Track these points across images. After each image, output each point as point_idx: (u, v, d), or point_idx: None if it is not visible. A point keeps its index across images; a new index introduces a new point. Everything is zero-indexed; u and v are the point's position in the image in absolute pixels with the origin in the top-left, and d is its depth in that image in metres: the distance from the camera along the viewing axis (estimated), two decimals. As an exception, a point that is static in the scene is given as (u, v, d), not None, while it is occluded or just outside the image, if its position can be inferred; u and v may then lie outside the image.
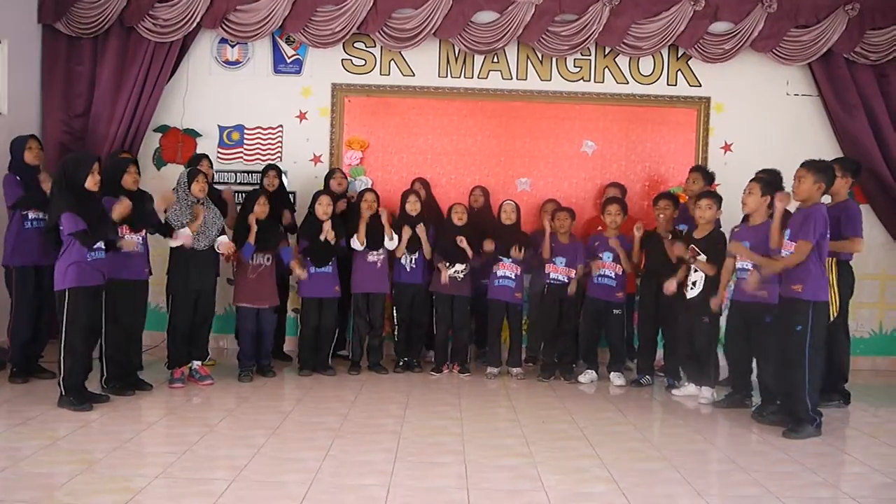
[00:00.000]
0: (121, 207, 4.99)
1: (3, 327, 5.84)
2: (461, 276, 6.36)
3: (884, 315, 7.40)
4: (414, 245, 6.35)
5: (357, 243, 6.21)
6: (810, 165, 4.95)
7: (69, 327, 4.85)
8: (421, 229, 6.32)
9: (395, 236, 6.27)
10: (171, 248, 5.64)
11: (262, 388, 5.77)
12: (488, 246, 6.29)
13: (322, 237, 6.07)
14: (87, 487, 3.59)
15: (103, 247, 4.97)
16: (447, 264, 6.32)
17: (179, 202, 5.61)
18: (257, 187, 6.58)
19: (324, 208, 6.14)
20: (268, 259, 6.02)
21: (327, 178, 6.75)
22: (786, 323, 4.93)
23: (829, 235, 4.91)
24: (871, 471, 4.34)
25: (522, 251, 6.24)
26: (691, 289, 5.74)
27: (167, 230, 5.57)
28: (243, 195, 6.50)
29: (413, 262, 6.39)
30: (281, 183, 6.64)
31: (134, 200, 5.31)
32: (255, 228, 5.85)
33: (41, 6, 6.95)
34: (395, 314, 6.52)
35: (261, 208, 5.96)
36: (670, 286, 5.83)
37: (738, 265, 5.39)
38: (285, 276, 6.36)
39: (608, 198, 6.57)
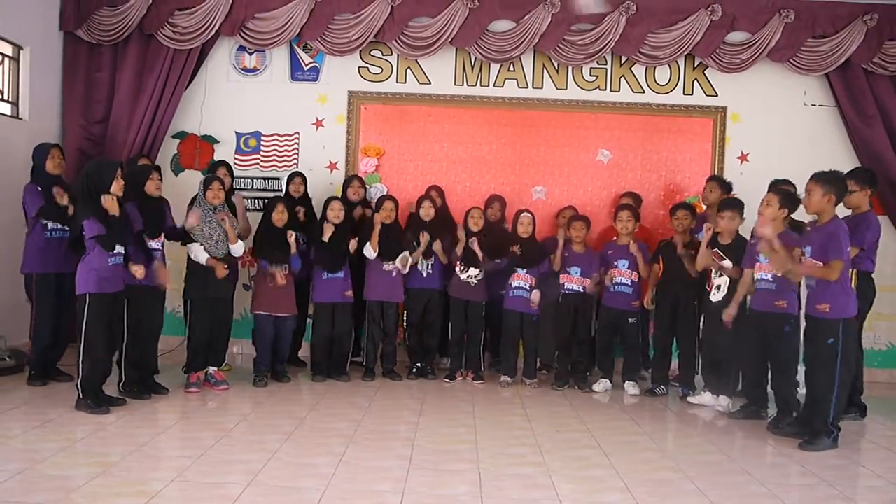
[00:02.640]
0: (108, 202, 4.95)
1: (23, 331, 5.90)
2: (475, 281, 6.37)
3: (901, 327, 7.34)
4: (429, 250, 6.37)
5: (370, 251, 6.22)
6: (819, 177, 4.91)
7: (88, 331, 4.90)
8: (437, 246, 6.34)
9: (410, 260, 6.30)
10: (189, 256, 5.68)
11: (277, 393, 5.80)
12: (517, 250, 6.27)
13: (325, 238, 6.09)
14: (104, 490, 3.61)
15: (122, 251, 5.00)
16: (462, 267, 6.33)
17: (199, 209, 5.66)
18: (278, 194, 6.62)
19: (335, 213, 6.17)
20: (285, 268, 6.05)
21: (344, 185, 6.78)
22: (815, 340, 4.89)
23: (849, 248, 4.91)
24: (887, 484, 4.30)
25: (520, 249, 6.24)
26: (716, 292, 5.72)
27: (182, 237, 5.63)
28: (261, 201, 6.54)
29: (430, 267, 6.41)
30: (305, 190, 6.67)
31: (154, 207, 5.38)
32: (280, 277, 5.95)
33: (63, 14, 7.06)
34: (405, 318, 6.52)
35: (279, 216, 6.00)
36: (695, 268, 5.84)
37: (757, 276, 5.36)
38: (303, 281, 6.37)
39: (620, 205, 6.57)
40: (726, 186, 6.49)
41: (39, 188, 5.62)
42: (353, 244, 6.13)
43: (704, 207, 6.61)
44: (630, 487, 3.98)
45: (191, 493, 3.66)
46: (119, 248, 4.97)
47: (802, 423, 5.05)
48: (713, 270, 5.74)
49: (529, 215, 6.44)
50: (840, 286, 4.81)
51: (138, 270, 5.01)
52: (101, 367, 5.03)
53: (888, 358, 7.30)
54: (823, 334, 4.82)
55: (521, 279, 6.32)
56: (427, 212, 6.44)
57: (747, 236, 5.77)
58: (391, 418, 5.20)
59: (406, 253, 6.27)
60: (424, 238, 6.32)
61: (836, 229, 4.81)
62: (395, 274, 6.33)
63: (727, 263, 5.63)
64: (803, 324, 5.14)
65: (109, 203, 4.92)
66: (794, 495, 4.01)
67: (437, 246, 6.35)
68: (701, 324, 6.00)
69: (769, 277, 5.27)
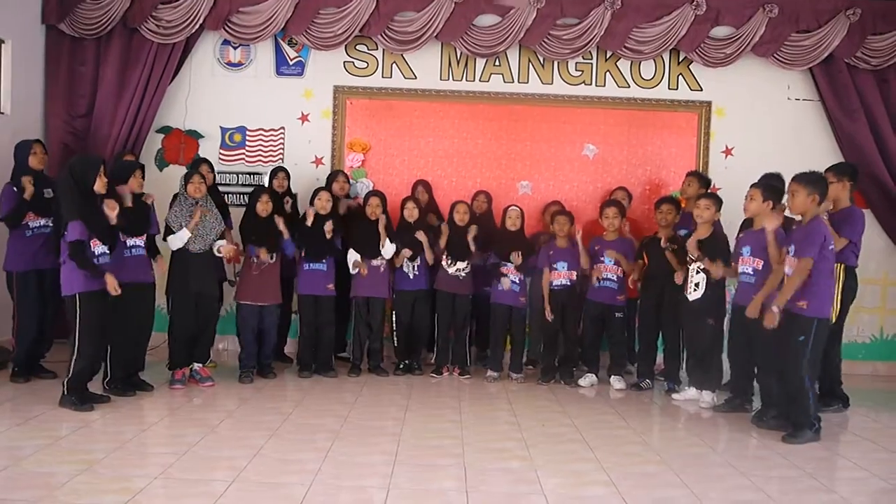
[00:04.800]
0: (110, 208, 4.96)
1: (6, 328, 5.86)
2: (463, 274, 6.37)
3: (884, 320, 7.40)
4: (415, 251, 6.35)
5: (352, 267, 6.22)
6: (801, 178, 4.93)
7: (83, 331, 4.85)
8: (422, 236, 6.33)
9: (391, 245, 6.25)
10: (172, 251, 5.65)
11: (263, 389, 5.78)
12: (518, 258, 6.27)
13: (328, 233, 6.07)
14: (88, 487, 3.60)
15: (108, 251, 4.97)
16: (448, 262, 6.33)
17: (181, 204, 5.63)
18: (260, 185, 6.60)
19: (322, 203, 6.15)
20: (272, 257, 6.03)
21: (329, 180, 6.76)
22: (787, 334, 4.91)
23: (833, 247, 4.93)
24: (870, 476, 4.34)
25: (521, 257, 6.23)
26: (694, 290, 5.74)
27: (157, 238, 5.61)
28: (246, 196, 6.51)
29: (416, 268, 6.39)
30: (289, 185, 6.65)
31: (135, 205, 5.33)
32: (264, 254, 5.91)
33: (45, 7, 6.99)
34: (394, 319, 6.51)
35: (263, 206, 5.97)
36: (679, 277, 5.83)
37: (741, 269, 5.39)
38: (289, 277, 6.35)
39: (606, 201, 6.58)
40: (705, 181, 6.54)
41: (15, 189, 5.54)
42: (328, 227, 6.08)
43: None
44: (615, 481, 4.00)
45: (175, 490, 3.65)
46: (103, 248, 4.94)
47: (786, 415, 5.09)
48: (691, 270, 5.76)
49: (518, 209, 6.44)
50: (823, 285, 4.83)
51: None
52: (91, 364, 5.00)
53: (871, 350, 7.36)
54: (795, 330, 4.85)
55: (509, 273, 6.32)
56: (411, 213, 6.41)
57: (730, 234, 5.82)
58: (377, 414, 5.20)
59: (358, 258, 6.24)
60: (420, 236, 6.31)
61: (813, 228, 4.84)
62: (382, 270, 6.32)
63: (699, 263, 5.66)
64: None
65: (111, 209, 4.93)
66: (778, 487, 4.04)
67: (421, 237, 6.32)
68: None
69: (750, 271, 5.30)
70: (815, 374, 4.99)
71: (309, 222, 6.09)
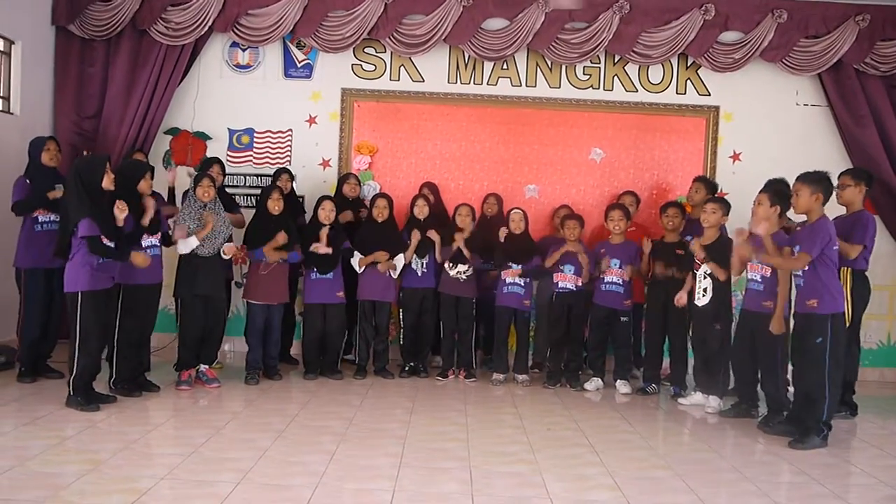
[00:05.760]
0: (118, 209, 4.98)
1: (13, 326, 5.88)
2: (464, 277, 6.36)
3: (892, 326, 7.37)
4: (424, 249, 6.36)
5: (357, 265, 6.22)
6: (805, 178, 4.95)
7: (83, 329, 4.87)
8: (434, 235, 6.34)
9: (400, 259, 6.30)
10: (180, 253, 5.67)
11: (269, 391, 5.79)
12: (433, 236, 6.35)
13: (314, 248, 6.07)
14: (94, 487, 3.60)
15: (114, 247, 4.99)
16: (450, 264, 6.33)
17: (189, 206, 5.65)
18: (270, 183, 6.62)
19: (326, 213, 6.15)
20: (281, 259, 6.03)
21: (340, 182, 6.78)
22: (804, 337, 4.91)
23: (837, 247, 4.91)
24: (877, 483, 4.32)
25: (520, 267, 6.27)
26: (702, 296, 5.73)
27: (169, 240, 5.61)
28: (254, 198, 6.52)
29: (424, 265, 6.41)
30: (292, 187, 6.66)
31: (145, 205, 5.35)
32: (277, 249, 5.90)
33: (55, 8, 7.02)
34: (401, 318, 6.53)
35: (274, 203, 5.97)
36: (681, 299, 5.83)
37: (749, 275, 5.38)
38: (296, 278, 6.35)
39: (611, 204, 6.58)
40: (712, 187, 6.52)
41: (28, 181, 5.59)
42: (321, 247, 6.08)
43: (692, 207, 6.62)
44: (620, 485, 3.99)
45: (181, 491, 3.65)
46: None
47: (792, 421, 5.07)
48: (698, 274, 5.75)
49: (520, 212, 6.44)
50: (829, 283, 4.83)
51: (138, 257, 5.00)
52: (93, 363, 5.01)
53: (879, 356, 7.33)
54: (812, 332, 4.84)
55: (513, 275, 6.32)
56: (421, 210, 6.44)
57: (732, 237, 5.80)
58: (383, 416, 5.20)
59: (398, 259, 6.29)
60: (415, 236, 6.31)
61: (817, 226, 4.84)
62: (388, 274, 6.32)
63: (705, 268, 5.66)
64: (792, 323, 5.16)
65: (121, 210, 4.93)
66: (785, 493, 4.03)
67: (434, 235, 6.34)
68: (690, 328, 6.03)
69: (758, 278, 5.28)
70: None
71: (313, 248, 6.07)
